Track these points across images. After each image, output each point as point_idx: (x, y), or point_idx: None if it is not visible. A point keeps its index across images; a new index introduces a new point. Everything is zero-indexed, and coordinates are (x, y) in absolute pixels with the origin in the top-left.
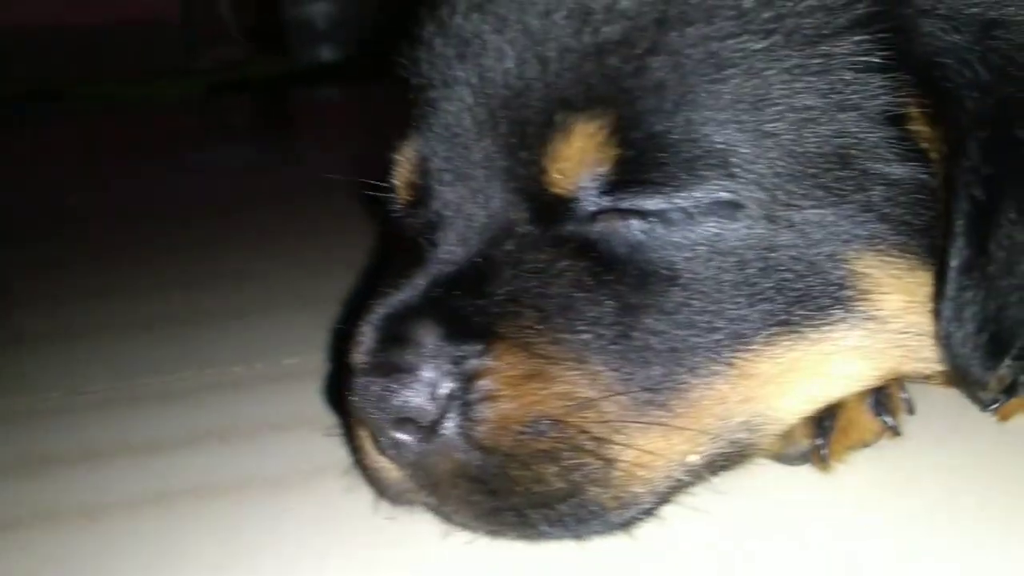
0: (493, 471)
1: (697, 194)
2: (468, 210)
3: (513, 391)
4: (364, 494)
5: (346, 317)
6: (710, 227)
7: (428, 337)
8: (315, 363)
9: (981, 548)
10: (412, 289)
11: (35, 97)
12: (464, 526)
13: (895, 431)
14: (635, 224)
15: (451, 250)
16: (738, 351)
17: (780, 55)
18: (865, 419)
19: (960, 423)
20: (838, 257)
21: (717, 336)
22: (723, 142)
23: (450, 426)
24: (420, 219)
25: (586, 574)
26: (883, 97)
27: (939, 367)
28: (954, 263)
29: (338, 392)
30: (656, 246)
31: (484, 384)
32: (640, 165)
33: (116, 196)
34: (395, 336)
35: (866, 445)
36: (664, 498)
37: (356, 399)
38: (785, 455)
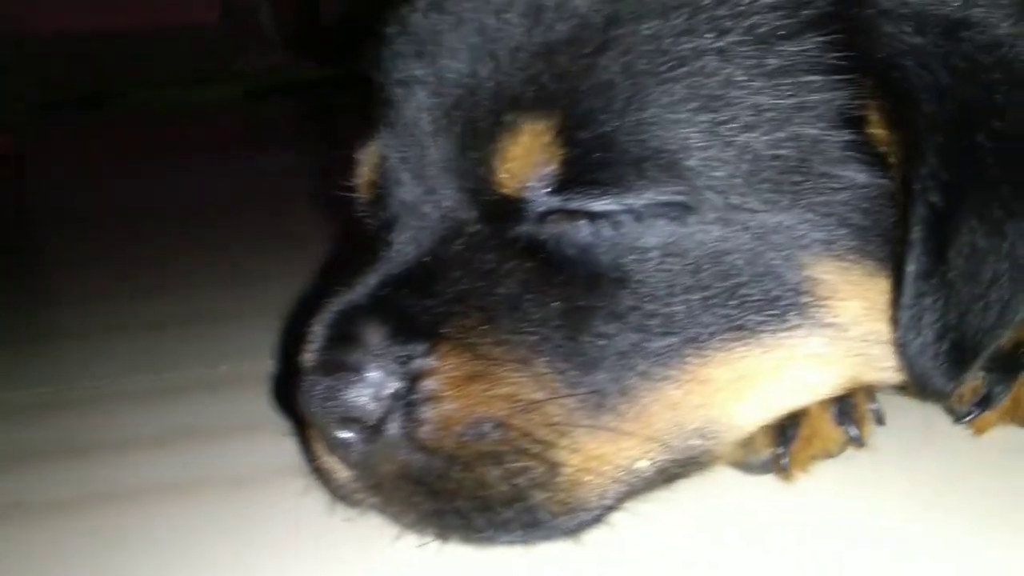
0: (436, 473)
1: (646, 196)
2: (422, 209)
3: (456, 392)
4: (323, 495)
5: (297, 317)
6: (660, 229)
7: (374, 337)
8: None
9: (943, 560)
10: (362, 288)
11: (77, 102)
12: (411, 528)
13: (858, 442)
14: (584, 225)
15: (403, 249)
16: (690, 356)
17: (736, 54)
18: (828, 429)
19: (932, 435)
20: (794, 262)
21: (668, 340)
22: (674, 143)
23: (394, 426)
24: (379, 218)
25: None
26: (841, 99)
27: (902, 376)
28: (911, 269)
29: (286, 393)
30: (605, 248)
31: (427, 384)
32: (587, 165)
33: (132, 199)
34: (342, 335)
35: (830, 455)
36: (613, 504)
37: (303, 398)
38: (746, 463)
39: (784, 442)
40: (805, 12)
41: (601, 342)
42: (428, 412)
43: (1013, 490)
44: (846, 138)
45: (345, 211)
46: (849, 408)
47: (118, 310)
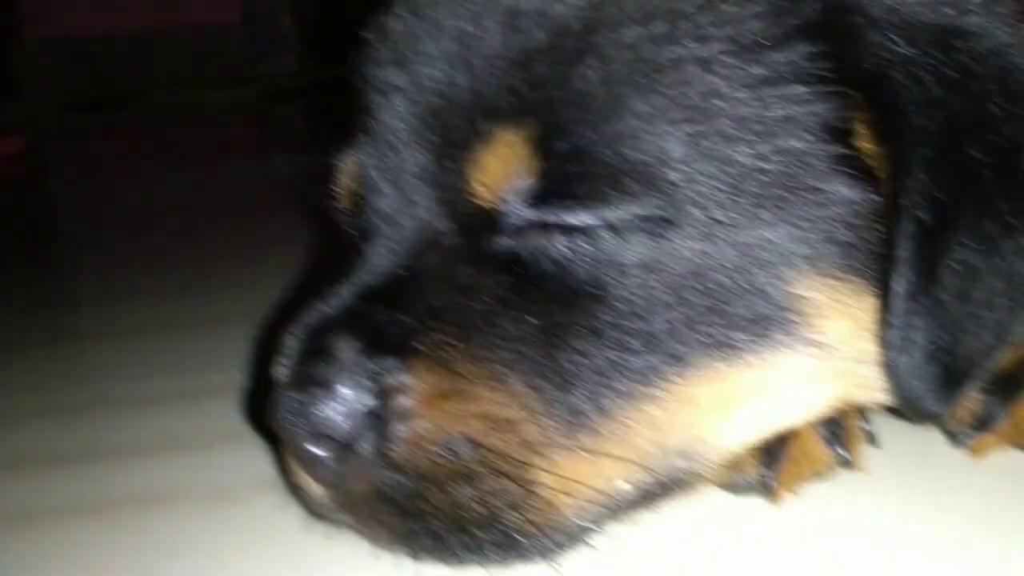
0: (408, 492)
1: (625, 209)
2: (399, 220)
3: (429, 409)
4: (300, 510)
5: (271, 328)
6: (640, 244)
7: (347, 352)
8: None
9: None
10: (336, 301)
11: (100, 103)
12: (385, 548)
13: (848, 463)
14: (561, 239)
15: (379, 261)
16: (672, 375)
17: (719, 63)
18: (817, 449)
19: (927, 458)
20: (779, 279)
21: (649, 358)
22: (654, 155)
23: (365, 444)
24: (358, 227)
25: None
26: (828, 111)
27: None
28: (899, 288)
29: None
30: (583, 263)
31: (400, 401)
32: (564, 178)
33: (144, 202)
34: (314, 349)
35: (819, 477)
36: (592, 527)
37: (274, 413)
38: (733, 484)
39: (772, 463)
40: (791, 21)
41: (579, 360)
42: (400, 430)
43: (1013, 517)
44: (833, 151)
45: (328, 218)
46: (839, 429)
47: (106, 315)
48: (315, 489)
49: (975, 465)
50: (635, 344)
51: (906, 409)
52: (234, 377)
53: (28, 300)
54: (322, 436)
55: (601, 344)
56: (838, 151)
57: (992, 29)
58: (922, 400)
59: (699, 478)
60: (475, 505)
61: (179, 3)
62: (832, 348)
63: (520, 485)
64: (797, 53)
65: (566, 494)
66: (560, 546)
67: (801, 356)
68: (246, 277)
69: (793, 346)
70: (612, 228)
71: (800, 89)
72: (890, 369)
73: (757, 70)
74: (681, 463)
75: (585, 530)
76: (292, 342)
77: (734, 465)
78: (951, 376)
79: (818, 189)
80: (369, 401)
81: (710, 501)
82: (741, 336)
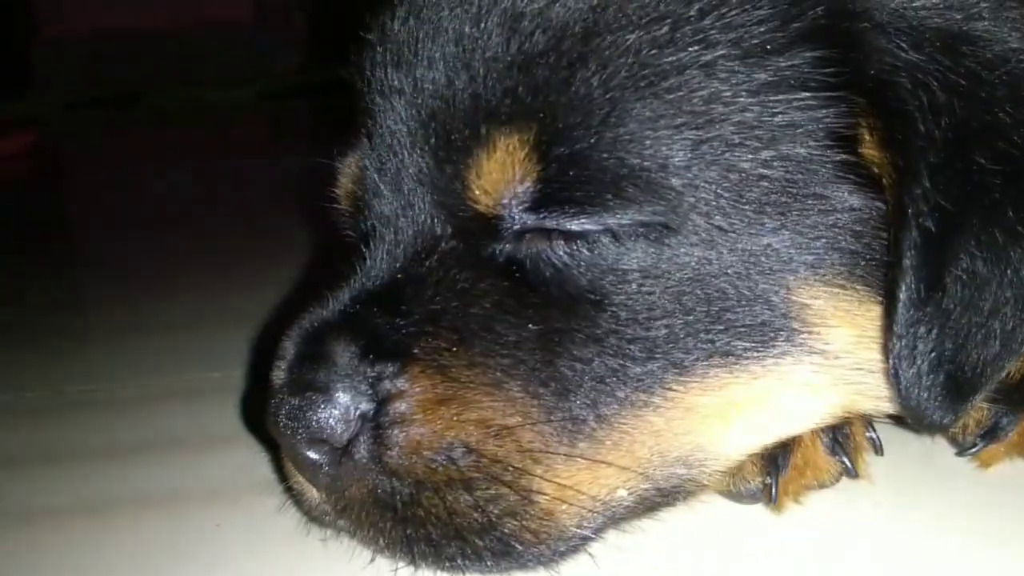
0: (404, 498)
1: (625, 216)
2: (398, 223)
3: (426, 415)
4: (297, 514)
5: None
6: (641, 251)
7: (344, 356)
8: None
9: None
10: (335, 304)
11: (111, 101)
12: (381, 553)
13: (851, 473)
14: (561, 245)
15: (377, 264)
16: (673, 382)
17: (722, 68)
18: (821, 458)
19: (933, 468)
20: (782, 286)
21: (650, 366)
22: (655, 161)
23: (362, 449)
24: (358, 230)
25: None
26: (832, 117)
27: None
28: (903, 296)
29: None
30: (583, 269)
31: (397, 407)
32: (564, 183)
33: (151, 200)
34: (312, 353)
35: (823, 486)
36: (591, 535)
37: (271, 417)
38: (735, 493)
39: (775, 472)
40: (795, 25)
41: (578, 366)
42: (397, 435)
43: (1019, 529)
44: (837, 158)
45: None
46: (843, 437)
47: (109, 314)
48: (313, 494)
49: (981, 475)
50: (635, 351)
51: (911, 419)
52: (234, 376)
53: (30, 299)
54: (319, 441)
55: (601, 351)
56: (842, 158)
57: (1001, 35)
58: (927, 411)
59: (700, 487)
60: (472, 512)
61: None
62: (835, 356)
63: (518, 493)
64: (801, 58)
65: (565, 502)
66: (559, 554)
67: (804, 364)
68: (252, 276)
69: (796, 354)
70: (612, 234)
71: (804, 95)
72: (894, 379)
73: (761, 75)
74: (682, 471)
75: (584, 538)
76: (289, 345)
77: (736, 473)
78: (957, 387)
79: (822, 196)
80: (366, 406)
81: (712, 510)
82: (743, 344)
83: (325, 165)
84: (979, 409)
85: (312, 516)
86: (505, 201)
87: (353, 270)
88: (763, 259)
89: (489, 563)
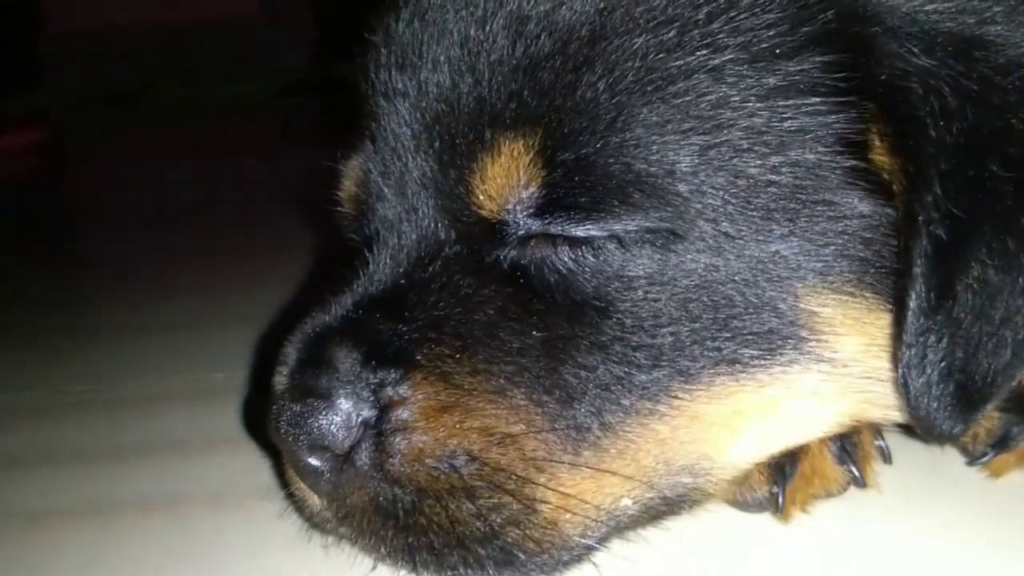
0: (406, 506)
1: (631, 222)
2: (401, 228)
3: (428, 423)
4: (298, 520)
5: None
6: (646, 257)
7: (346, 362)
8: None
9: None
10: (337, 309)
11: (117, 97)
12: (382, 561)
13: (859, 482)
14: (565, 251)
15: (380, 269)
16: (679, 391)
17: (730, 73)
18: (829, 467)
19: (943, 477)
20: (790, 294)
21: (655, 374)
22: (661, 166)
23: (363, 456)
24: (362, 233)
25: None
26: (842, 123)
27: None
28: (913, 305)
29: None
30: (588, 275)
31: (399, 414)
32: (569, 188)
33: (154, 198)
34: (313, 359)
35: (831, 495)
36: (594, 544)
37: (272, 423)
38: (742, 502)
39: (782, 481)
40: (805, 29)
41: (583, 374)
42: (399, 443)
43: None
44: (847, 164)
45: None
46: (851, 446)
47: (114, 313)
48: (314, 501)
49: (991, 485)
50: (641, 359)
51: (920, 429)
52: (236, 377)
53: (30, 299)
54: (320, 448)
55: (606, 358)
56: (852, 164)
57: (1014, 39)
58: (937, 421)
59: (706, 496)
60: (475, 521)
61: None
62: (844, 365)
63: (521, 501)
64: (811, 63)
65: (568, 511)
66: (562, 564)
67: (812, 373)
68: (254, 276)
69: (804, 362)
70: (618, 240)
71: (814, 100)
72: (903, 388)
73: (770, 80)
74: (687, 480)
75: (588, 548)
76: (291, 351)
77: (742, 482)
78: (967, 396)
79: (831, 202)
80: (368, 413)
81: (717, 519)
82: (750, 352)
83: (329, 166)
84: (990, 418)
85: (313, 523)
86: (509, 206)
87: (356, 274)
88: (771, 266)
89: (491, 572)
